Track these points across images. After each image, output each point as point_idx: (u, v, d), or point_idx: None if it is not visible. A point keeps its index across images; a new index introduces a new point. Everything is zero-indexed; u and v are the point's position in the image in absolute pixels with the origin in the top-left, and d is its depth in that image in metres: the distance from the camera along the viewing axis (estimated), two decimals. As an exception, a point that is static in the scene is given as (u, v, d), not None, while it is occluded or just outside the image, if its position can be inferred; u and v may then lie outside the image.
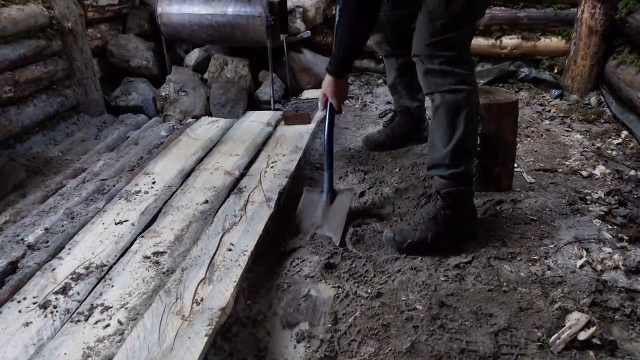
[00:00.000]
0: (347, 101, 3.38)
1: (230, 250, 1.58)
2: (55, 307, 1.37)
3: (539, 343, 1.31)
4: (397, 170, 2.28)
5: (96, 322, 1.31)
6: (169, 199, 1.94)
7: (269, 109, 3.09)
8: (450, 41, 1.61)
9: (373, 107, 3.27)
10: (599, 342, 1.28)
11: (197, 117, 2.99)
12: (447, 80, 1.63)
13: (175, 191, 2.01)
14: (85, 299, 1.40)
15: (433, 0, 1.59)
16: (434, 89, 1.67)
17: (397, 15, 2.15)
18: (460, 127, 1.64)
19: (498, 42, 3.60)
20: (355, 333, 1.36)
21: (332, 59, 1.78)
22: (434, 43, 1.61)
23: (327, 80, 1.81)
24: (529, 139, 2.64)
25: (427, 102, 2.13)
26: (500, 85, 3.47)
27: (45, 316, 1.33)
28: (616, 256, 1.62)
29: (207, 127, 2.70)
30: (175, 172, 2.15)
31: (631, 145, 2.51)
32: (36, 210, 1.91)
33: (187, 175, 2.15)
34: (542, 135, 2.68)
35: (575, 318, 1.34)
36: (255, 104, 3.23)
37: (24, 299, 1.40)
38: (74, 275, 1.49)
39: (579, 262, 1.60)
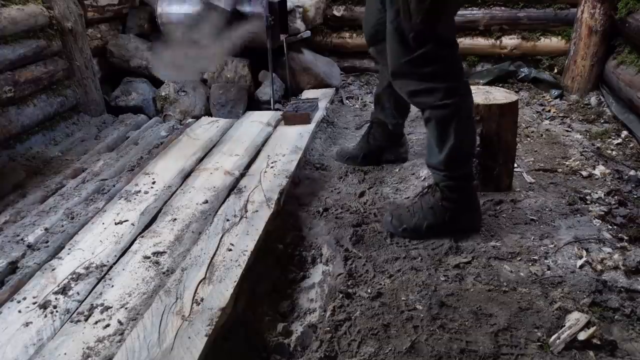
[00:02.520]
0: (347, 101, 3.38)
1: (230, 250, 1.58)
2: (55, 307, 1.37)
3: (539, 343, 1.30)
4: (397, 170, 2.28)
5: (96, 322, 1.31)
6: (169, 199, 1.94)
7: (269, 109, 3.09)
8: (429, 54, 1.53)
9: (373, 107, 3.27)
10: (599, 342, 1.28)
11: (197, 117, 2.99)
12: (433, 97, 1.59)
13: (175, 191, 2.01)
14: (85, 299, 1.40)
15: (396, 13, 1.50)
16: (423, 107, 1.67)
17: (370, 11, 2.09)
18: (451, 138, 1.63)
19: (498, 42, 3.60)
20: (355, 333, 1.36)
21: None
22: (411, 60, 1.55)
23: None
24: (529, 139, 2.64)
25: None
26: (500, 85, 3.46)
27: (45, 316, 1.33)
28: (616, 256, 1.62)
29: (207, 127, 2.70)
30: (175, 172, 2.15)
31: (631, 145, 2.51)
32: (36, 210, 1.91)
33: (187, 175, 2.15)
34: (542, 135, 2.68)
35: (575, 318, 1.34)
36: (255, 104, 3.23)
37: (24, 299, 1.40)
38: (74, 275, 1.49)
39: (579, 262, 1.60)
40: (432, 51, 1.53)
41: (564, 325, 1.33)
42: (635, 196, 2.00)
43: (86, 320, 1.32)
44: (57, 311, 1.35)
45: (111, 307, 1.36)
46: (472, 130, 1.73)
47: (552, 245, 1.70)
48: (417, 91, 1.62)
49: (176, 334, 1.23)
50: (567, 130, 2.75)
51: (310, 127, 2.64)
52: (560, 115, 2.99)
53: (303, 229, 1.87)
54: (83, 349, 1.22)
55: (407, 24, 1.50)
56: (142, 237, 1.69)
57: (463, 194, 1.73)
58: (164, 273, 1.51)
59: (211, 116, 3.03)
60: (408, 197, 2.02)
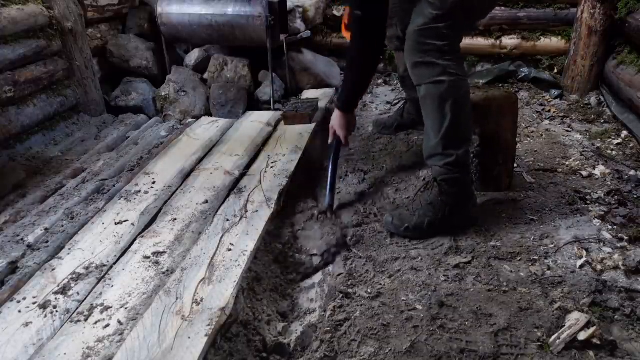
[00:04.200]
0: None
1: (230, 250, 1.58)
2: (55, 307, 1.37)
3: (539, 343, 1.30)
4: (397, 170, 2.28)
5: (96, 322, 1.31)
6: (169, 199, 1.94)
7: (269, 109, 3.09)
8: (440, 31, 1.62)
9: (373, 107, 3.27)
10: (599, 342, 1.28)
11: (197, 117, 2.99)
12: (431, 71, 1.65)
13: (175, 191, 2.01)
14: (85, 299, 1.40)
15: None
16: (420, 81, 1.70)
17: (405, 10, 2.15)
18: (447, 117, 1.66)
19: (498, 42, 3.60)
20: (355, 333, 1.36)
21: (340, 94, 1.96)
22: (424, 30, 1.63)
23: (335, 114, 1.96)
24: (529, 139, 2.64)
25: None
26: (500, 85, 3.46)
27: (45, 316, 1.33)
28: (616, 256, 1.62)
29: (207, 127, 2.70)
30: (175, 172, 2.15)
31: (631, 145, 2.51)
32: (36, 210, 1.91)
33: (187, 175, 2.15)
34: (542, 135, 2.68)
35: (575, 318, 1.34)
36: (255, 104, 3.23)
37: (24, 299, 1.40)
38: (74, 275, 1.49)
39: (579, 262, 1.60)
40: (443, 29, 1.61)
41: (564, 325, 1.33)
42: (635, 196, 2.00)
43: (86, 320, 1.32)
44: (57, 311, 1.35)
45: (111, 307, 1.36)
46: (467, 114, 1.74)
47: (552, 245, 1.70)
48: (420, 63, 1.67)
49: (176, 334, 1.23)
50: (567, 130, 2.75)
51: (310, 127, 2.64)
52: (560, 115, 2.99)
53: (303, 229, 1.87)
54: (83, 349, 1.22)
55: (439, 3, 1.59)
56: (142, 237, 1.69)
57: (460, 187, 1.75)
58: (164, 273, 1.51)
59: (211, 116, 3.03)
60: (408, 197, 2.02)
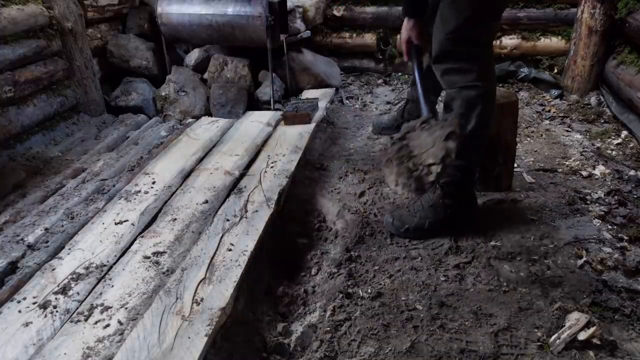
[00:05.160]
0: (347, 101, 3.38)
1: (230, 250, 1.58)
2: (55, 307, 1.37)
3: (539, 343, 1.30)
4: (397, 170, 2.28)
5: (96, 322, 1.31)
6: (169, 199, 1.94)
7: (269, 109, 3.09)
8: (471, 36, 1.60)
9: (373, 107, 3.27)
10: (599, 342, 1.28)
11: (197, 117, 2.99)
12: (465, 77, 1.63)
13: (175, 191, 2.01)
14: (85, 299, 1.40)
15: None
16: (452, 86, 1.68)
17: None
18: (472, 122, 1.64)
19: (498, 42, 3.60)
20: (355, 333, 1.36)
21: (404, 2, 1.88)
22: (456, 37, 1.60)
23: (404, 24, 1.87)
24: (529, 139, 2.64)
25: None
26: (500, 85, 3.46)
27: (45, 316, 1.33)
28: (616, 256, 1.62)
29: (207, 127, 2.70)
30: (175, 172, 2.15)
31: (631, 145, 2.51)
32: (36, 210, 1.91)
33: (187, 175, 2.15)
34: (542, 135, 2.68)
35: (575, 318, 1.34)
36: (255, 104, 3.23)
37: (24, 299, 1.40)
38: (74, 275, 1.49)
39: (579, 262, 1.60)
40: (475, 34, 1.60)
41: (564, 325, 1.33)
42: (635, 196, 2.00)
43: (86, 320, 1.32)
44: (57, 311, 1.35)
45: (111, 307, 1.36)
46: (489, 124, 1.73)
47: (552, 245, 1.70)
48: (451, 69, 1.65)
49: (176, 334, 1.23)
50: (567, 130, 2.75)
51: (310, 127, 2.64)
52: (560, 115, 2.99)
53: (303, 228, 1.87)
54: (83, 349, 1.22)
55: (464, 5, 1.56)
56: (142, 237, 1.69)
57: (463, 190, 1.75)
58: (164, 273, 1.51)
59: (211, 116, 3.03)
60: (408, 198, 2.02)
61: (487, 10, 1.60)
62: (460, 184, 1.73)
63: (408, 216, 1.77)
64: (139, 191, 1.99)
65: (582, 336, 1.29)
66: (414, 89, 2.42)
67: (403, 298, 1.48)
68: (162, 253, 1.60)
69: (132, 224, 1.76)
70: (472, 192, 1.81)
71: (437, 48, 1.66)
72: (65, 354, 1.21)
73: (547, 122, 2.90)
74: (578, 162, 2.32)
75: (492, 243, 1.72)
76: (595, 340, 1.28)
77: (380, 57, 3.87)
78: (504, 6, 1.87)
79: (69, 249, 1.63)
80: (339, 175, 2.26)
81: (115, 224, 1.77)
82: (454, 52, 1.62)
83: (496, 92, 1.74)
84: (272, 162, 2.22)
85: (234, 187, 2.03)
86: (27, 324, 1.31)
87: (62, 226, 1.79)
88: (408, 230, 1.75)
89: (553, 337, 1.31)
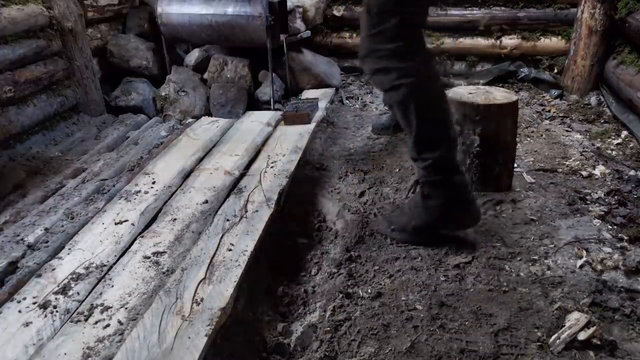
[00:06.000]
0: (347, 101, 3.38)
1: (230, 250, 1.58)
2: (55, 307, 1.37)
3: (539, 343, 1.31)
4: (397, 170, 2.28)
5: (96, 322, 1.31)
6: (169, 199, 1.94)
7: (269, 109, 3.09)
8: (389, 32, 1.49)
9: (373, 107, 3.27)
10: (599, 342, 1.28)
11: (197, 117, 2.99)
12: (389, 77, 1.55)
13: (175, 191, 2.01)
14: (85, 299, 1.40)
15: None
16: (380, 89, 1.62)
17: None
18: (413, 123, 1.56)
19: (498, 42, 3.60)
20: (355, 333, 1.36)
21: None
22: (373, 35, 1.53)
23: None
24: (529, 139, 2.64)
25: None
26: (500, 85, 3.46)
27: (45, 316, 1.33)
28: (616, 256, 1.62)
29: (207, 127, 2.70)
30: (175, 172, 2.15)
31: (631, 145, 2.51)
32: (36, 210, 1.91)
33: (187, 175, 2.15)
34: (542, 135, 2.68)
35: (575, 318, 1.34)
36: (255, 104, 3.23)
37: (24, 299, 1.40)
38: (74, 275, 1.49)
39: (579, 262, 1.60)
40: (392, 29, 1.49)
41: (564, 325, 1.33)
42: (635, 196, 2.00)
43: (86, 320, 1.32)
44: (57, 311, 1.35)
45: (111, 307, 1.36)
46: (437, 115, 1.61)
47: (552, 245, 1.70)
48: (376, 70, 1.58)
49: (176, 334, 1.23)
50: (567, 130, 2.75)
51: (310, 127, 2.64)
52: (560, 115, 2.99)
53: (303, 228, 1.87)
54: (83, 349, 1.22)
55: (374, 1, 1.49)
56: (142, 237, 1.69)
57: (446, 190, 1.64)
58: (164, 273, 1.51)
59: (211, 116, 3.03)
60: (408, 197, 2.02)
61: (397, 3, 1.47)
62: (439, 183, 1.63)
63: (396, 217, 1.76)
64: (139, 191, 1.99)
65: (582, 336, 1.29)
66: None
67: (403, 298, 1.48)
68: (162, 253, 1.60)
69: (132, 224, 1.76)
70: (463, 192, 1.66)
71: (361, 47, 1.59)
72: (65, 354, 1.21)
73: (547, 122, 2.90)
74: (578, 162, 2.32)
75: (492, 243, 1.72)
76: (595, 340, 1.28)
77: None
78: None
79: (69, 249, 1.63)
80: (339, 175, 2.26)
81: (115, 224, 1.77)
82: (374, 51, 1.55)
83: (435, 81, 1.62)
84: (272, 162, 2.22)
85: (234, 187, 2.03)
86: (27, 324, 1.31)
87: (62, 226, 1.79)
88: (394, 230, 1.73)
89: (553, 337, 1.31)
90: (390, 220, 1.75)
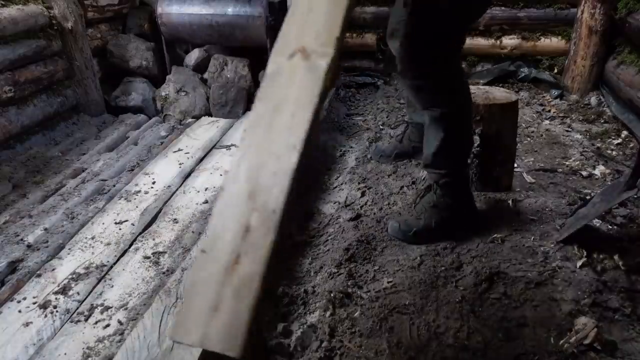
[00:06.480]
0: (347, 101, 3.37)
1: (230, 250, 1.57)
2: (55, 307, 1.37)
3: (542, 343, 1.30)
4: (397, 170, 2.28)
5: (96, 322, 1.31)
6: (169, 199, 1.94)
7: (269, 109, 3.08)
8: (428, 38, 1.50)
9: (373, 106, 3.26)
10: (599, 343, 1.28)
11: (197, 117, 2.99)
12: (434, 96, 1.62)
13: (175, 191, 2.01)
14: (85, 299, 1.40)
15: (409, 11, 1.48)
16: (423, 106, 1.68)
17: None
18: (441, 135, 1.64)
19: (498, 42, 3.59)
20: (355, 333, 1.36)
21: None
22: (409, 41, 1.52)
23: None
24: (529, 139, 2.64)
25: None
26: (500, 85, 3.46)
27: (45, 316, 1.33)
28: (616, 256, 1.62)
29: (207, 127, 2.70)
30: (175, 172, 2.15)
31: (631, 145, 2.51)
32: (36, 210, 1.91)
33: (187, 175, 2.15)
34: (542, 135, 2.68)
35: (583, 323, 1.33)
36: (255, 104, 3.22)
37: (24, 299, 1.40)
38: (74, 275, 1.49)
39: (579, 262, 1.60)
40: (432, 36, 1.51)
41: (571, 330, 1.33)
42: (635, 196, 2.00)
43: (86, 320, 1.32)
44: (57, 311, 1.35)
45: (111, 307, 1.36)
46: (463, 131, 1.71)
47: (552, 245, 1.70)
48: (414, 86, 1.63)
49: (176, 334, 1.23)
50: (567, 130, 2.75)
51: (310, 127, 2.64)
52: (560, 115, 2.99)
53: (303, 228, 1.87)
54: (83, 349, 1.22)
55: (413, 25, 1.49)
56: (142, 237, 1.69)
57: (460, 189, 1.75)
58: (164, 273, 1.51)
59: (211, 116, 3.03)
60: (407, 203, 2.02)
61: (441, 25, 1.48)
62: (454, 184, 1.73)
63: (413, 219, 1.75)
64: (139, 191, 1.99)
65: (586, 340, 1.29)
66: (410, 110, 2.31)
67: (403, 298, 1.48)
68: (162, 253, 1.60)
69: (132, 224, 1.76)
70: (468, 191, 1.80)
71: (401, 65, 1.58)
72: (65, 354, 1.21)
73: (547, 122, 2.90)
74: (578, 162, 2.32)
75: (492, 243, 1.72)
76: (595, 344, 1.28)
77: (380, 57, 3.87)
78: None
79: (69, 249, 1.63)
80: (339, 175, 2.26)
81: (115, 224, 1.77)
82: (417, 72, 1.56)
83: (466, 94, 1.68)
84: (272, 162, 2.21)
85: (234, 187, 2.02)
86: (27, 324, 1.31)
87: (62, 226, 1.79)
88: (416, 233, 1.72)
89: (562, 341, 1.30)
90: (409, 225, 1.74)
